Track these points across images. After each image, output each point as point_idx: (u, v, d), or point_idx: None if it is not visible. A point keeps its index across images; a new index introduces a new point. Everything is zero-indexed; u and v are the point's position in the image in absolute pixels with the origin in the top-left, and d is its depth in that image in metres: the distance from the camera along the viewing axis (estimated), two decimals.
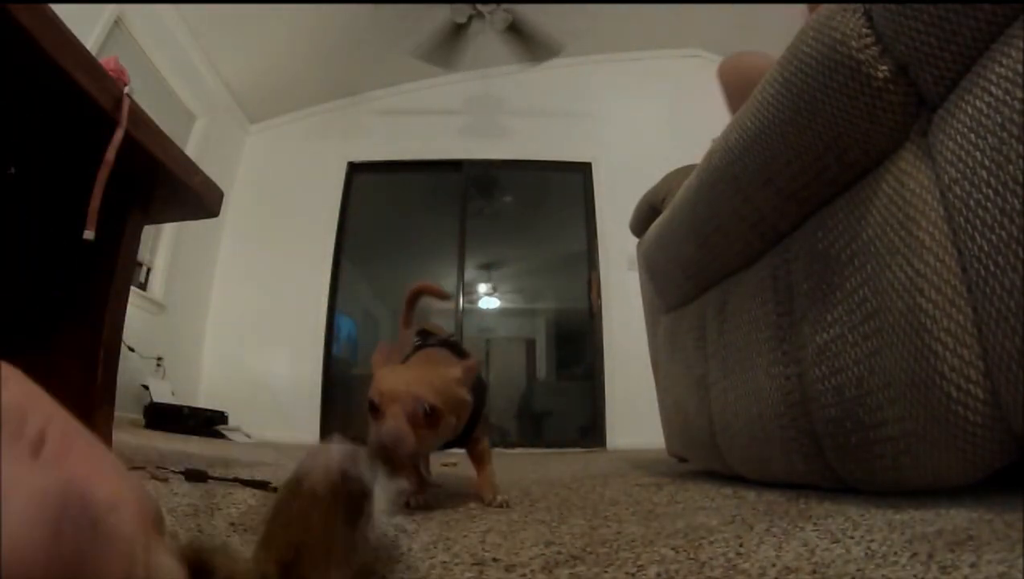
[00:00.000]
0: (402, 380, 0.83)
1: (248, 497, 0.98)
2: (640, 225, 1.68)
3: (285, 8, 4.15)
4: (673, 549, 0.58)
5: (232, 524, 0.72)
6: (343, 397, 4.59)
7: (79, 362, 1.22)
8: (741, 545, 0.58)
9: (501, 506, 0.97)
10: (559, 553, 0.58)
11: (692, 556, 0.55)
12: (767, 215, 1.05)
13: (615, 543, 0.63)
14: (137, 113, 1.20)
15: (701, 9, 4.49)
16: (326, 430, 4.40)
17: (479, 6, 3.98)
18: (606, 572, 0.51)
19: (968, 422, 0.66)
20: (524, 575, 0.51)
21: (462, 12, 4.01)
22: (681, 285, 1.43)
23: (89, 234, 1.09)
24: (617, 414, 4.38)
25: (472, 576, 0.51)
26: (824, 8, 0.84)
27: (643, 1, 4.54)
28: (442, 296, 1.38)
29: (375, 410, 0.80)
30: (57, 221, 1.25)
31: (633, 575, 0.50)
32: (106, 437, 1.21)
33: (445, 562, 0.56)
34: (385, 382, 0.82)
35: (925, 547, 0.50)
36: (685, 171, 1.62)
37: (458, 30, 4.10)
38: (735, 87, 1.42)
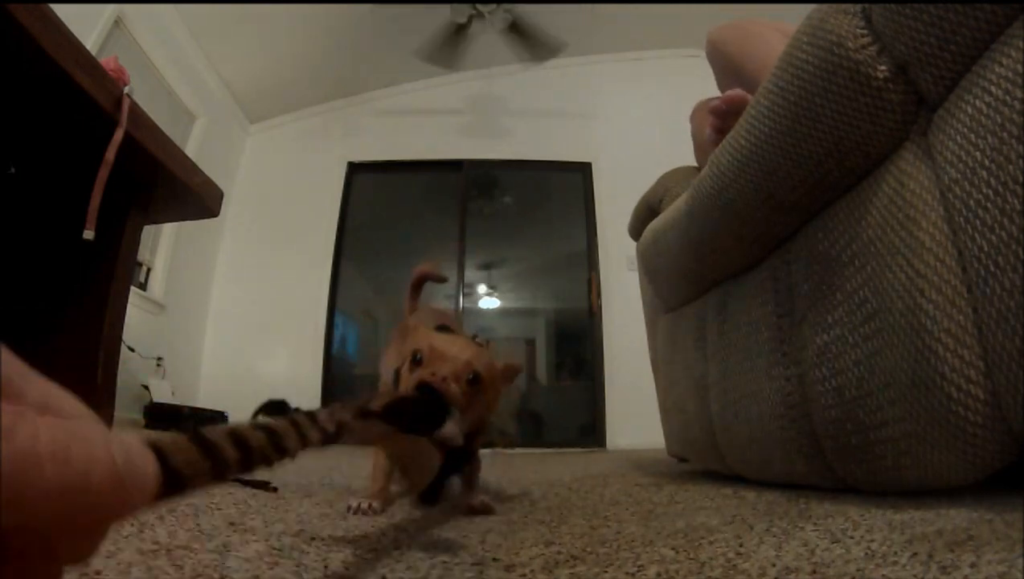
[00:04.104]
0: (451, 343, 0.79)
1: (248, 497, 0.98)
2: (639, 227, 1.68)
3: (285, 8, 4.15)
4: (673, 549, 0.58)
5: (232, 524, 0.72)
6: (344, 397, 4.57)
7: (79, 362, 1.22)
8: (741, 545, 0.58)
9: (486, 511, 0.92)
10: (559, 553, 0.58)
11: (692, 556, 0.55)
12: (767, 229, 1.04)
13: (615, 543, 0.63)
14: (137, 113, 1.20)
15: (701, 9, 4.49)
16: None
17: (479, 6, 3.98)
18: (606, 572, 0.51)
19: (968, 422, 0.66)
20: (524, 575, 0.51)
21: (462, 12, 4.01)
22: (680, 287, 1.43)
23: (89, 234, 1.09)
24: (617, 414, 4.38)
25: (472, 576, 0.51)
26: (817, 11, 0.84)
27: (643, 1, 4.54)
28: (441, 280, 1.38)
29: (418, 363, 0.75)
30: (57, 221, 1.25)
31: (633, 575, 0.50)
32: None
33: (445, 562, 0.56)
34: (434, 339, 0.78)
35: (925, 547, 0.50)
36: (682, 171, 1.62)
37: (459, 30, 4.10)
38: (738, 58, 1.32)
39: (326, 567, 0.53)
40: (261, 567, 0.51)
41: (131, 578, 0.45)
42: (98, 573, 0.44)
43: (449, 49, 4.20)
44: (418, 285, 1.30)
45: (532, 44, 4.11)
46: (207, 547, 0.57)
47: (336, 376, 4.67)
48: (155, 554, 0.52)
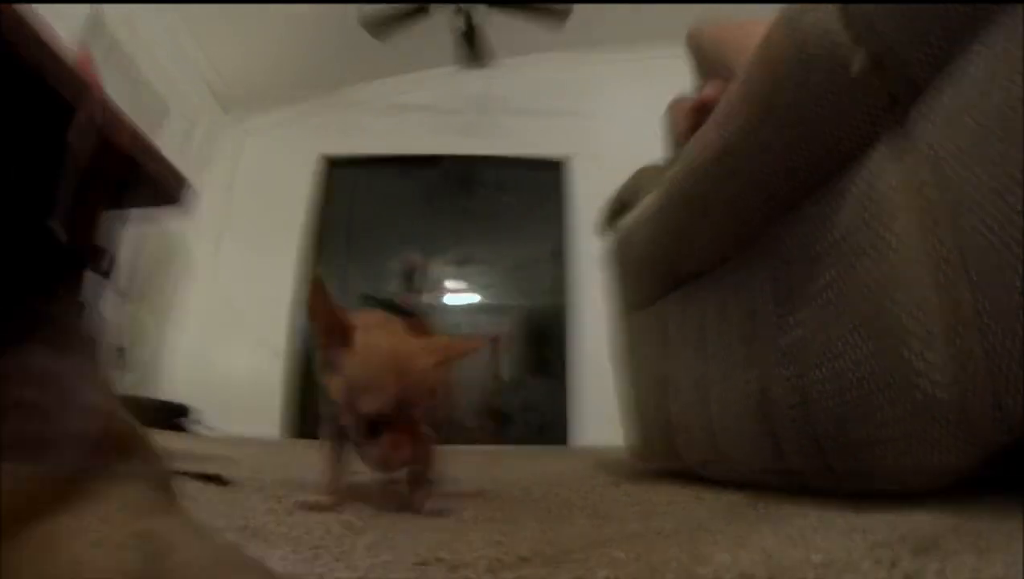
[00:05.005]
0: (411, 375, 0.68)
1: (196, 491, 0.95)
2: (610, 223, 1.66)
3: (278, 7, 4.13)
4: (625, 552, 0.56)
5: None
6: (308, 392, 4.52)
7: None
8: (697, 549, 0.56)
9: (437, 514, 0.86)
10: (506, 554, 0.56)
11: (644, 559, 0.53)
12: (741, 226, 1.03)
13: (566, 545, 0.61)
14: (102, 101, 1.16)
15: (701, 9, 4.49)
16: (289, 424, 4.36)
17: (463, 6, 3.98)
18: (553, 575, 0.48)
19: (938, 423, 0.65)
20: (467, 577, 0.48)
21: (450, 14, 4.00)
22: (649, 284, 1.42)
23: (55, 225, 1.06)
24: (582, 413, 4.40)
25: (414, 576, 0.49)
26: (789, 8, 0.83)
27: (643, 1, 4.55)
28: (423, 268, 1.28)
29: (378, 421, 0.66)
30: (26, 215, 1.21)
31: (581, 578, 0.47)
32: None
33: (388, 561, 0.54)
34: (398, 376, 0.68)
35: (888, 553, 0.49)
36: (655, 167, 1.61)
37: (469, 30, 4.10)
38: (715, 48, 1.31)
39: None
40: None
41: None
42: None
43: (473, 47, 4.23)
44: (410, 276, 1.21)
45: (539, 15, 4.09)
46: None
47: (300, 371, 4.60)
48: None
